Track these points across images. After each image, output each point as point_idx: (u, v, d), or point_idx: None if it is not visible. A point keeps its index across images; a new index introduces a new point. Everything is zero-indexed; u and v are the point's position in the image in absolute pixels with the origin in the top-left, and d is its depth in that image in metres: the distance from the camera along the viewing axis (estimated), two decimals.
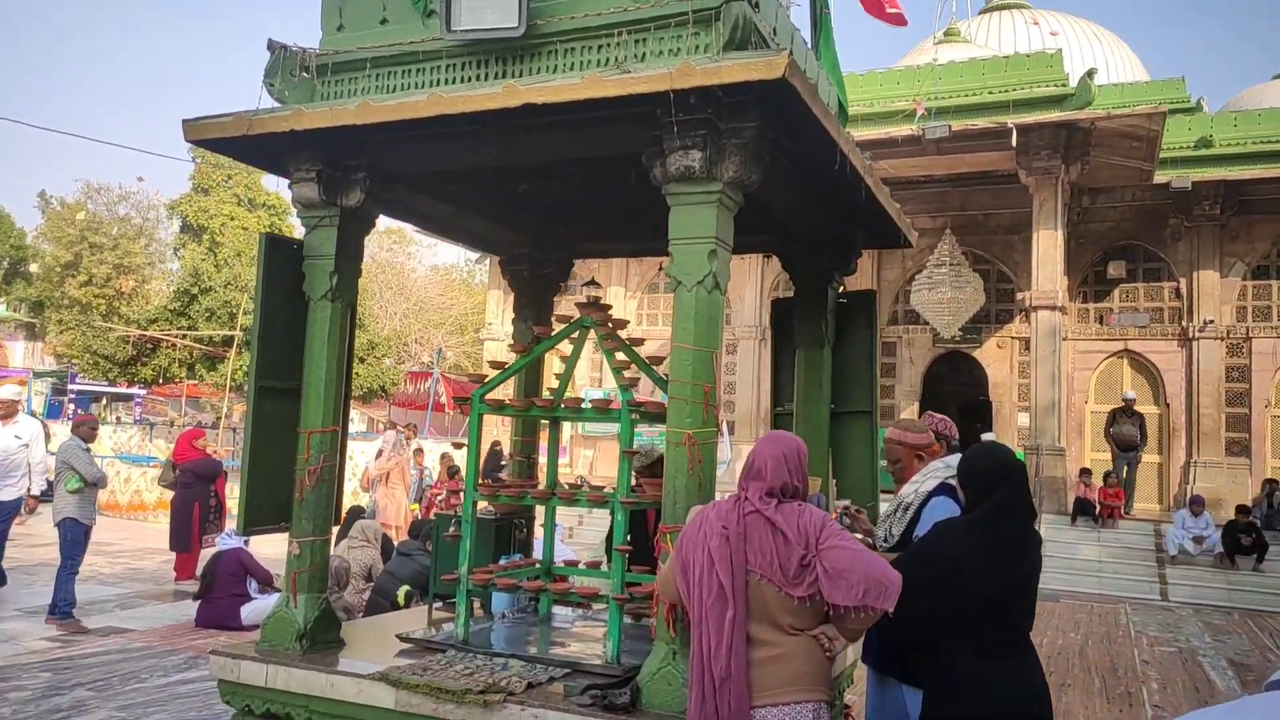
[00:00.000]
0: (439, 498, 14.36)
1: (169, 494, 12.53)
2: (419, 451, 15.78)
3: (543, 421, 5.69)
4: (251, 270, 26.36)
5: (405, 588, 6.72)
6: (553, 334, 4.52)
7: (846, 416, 5.00)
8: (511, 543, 5.15)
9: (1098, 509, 14.40)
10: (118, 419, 29.45)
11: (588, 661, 3.79)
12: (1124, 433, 15.08)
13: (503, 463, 14.73)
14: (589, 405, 4.20)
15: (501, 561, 4.84)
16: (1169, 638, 9.50)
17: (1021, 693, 2.81)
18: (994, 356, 18.02)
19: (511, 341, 5.22)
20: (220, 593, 7.92)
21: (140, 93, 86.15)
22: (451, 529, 4.74)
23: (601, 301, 4.55)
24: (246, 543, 8.60)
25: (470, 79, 3.74)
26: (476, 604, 4.37)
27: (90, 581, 9.57)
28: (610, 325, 4.44)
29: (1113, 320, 17.36)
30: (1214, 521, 13.30)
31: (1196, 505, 13.43)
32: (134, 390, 31.52)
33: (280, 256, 4.17)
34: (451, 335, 38.26)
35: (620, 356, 4.38)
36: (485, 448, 3.99)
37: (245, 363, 22.81)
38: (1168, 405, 16.87)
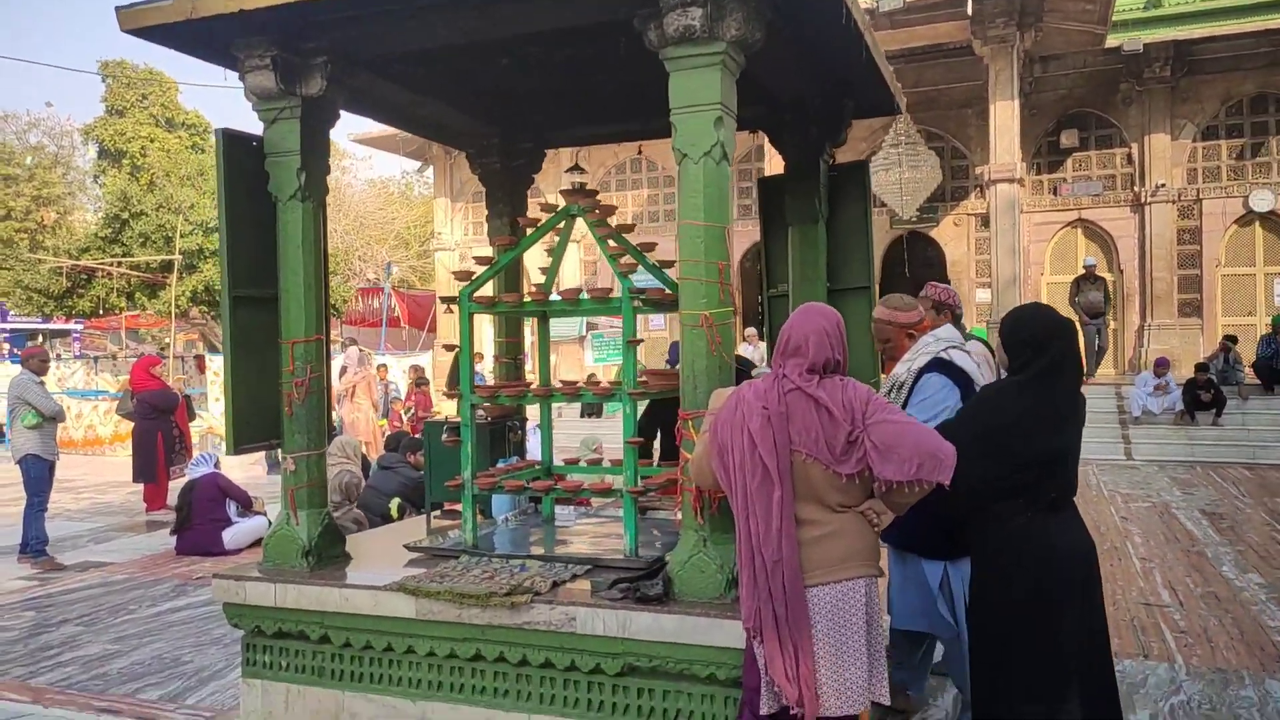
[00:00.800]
0: (407, 410, 14.21)
1: (126, 425, 12.19)
2: (382, 367, 15.52)
3: (526, 321, 5.49)
4: (184, 191, 25.27)
5: (397, 500, 6.59)
6: (538, 225, 4.29)
7: (843, 293, 4.86)
8: (507, 445, 5.02)
9: None
10: (57, 355, 28.49)
11: (607, 557, 3.71)
12: (1090, 300, 15.25)
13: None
14: (586, 295, 3.99)
15: (500, 465, 4.71)
16: (1141, 494, 9.79)
17: (1073, 545, 2.78)
18: (951, 235, 18.02)
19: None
20: (200, 519, 7.72)
21: (37, 9, 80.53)
22: (446, 435, 4.58)
23: (588, 187, 4.32)
24: (217, 464, 8.39)
25: None
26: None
27: (58, 518, 9.30)
28: (599, 211, 4.21)
29: (1066, 190, 17.38)
30: (1174, 381, 13.64)
31: (1161, 367, 13.72)
32: (71, 325, 30.38)
33: (240, 155, 3.86)
34: (396, 250, 37.28)
35: (613, 244, 4.17)
36: (462, 353, 3.73)
37: (187, 288, 22.08)
38: (1121, 271, 17.08)
